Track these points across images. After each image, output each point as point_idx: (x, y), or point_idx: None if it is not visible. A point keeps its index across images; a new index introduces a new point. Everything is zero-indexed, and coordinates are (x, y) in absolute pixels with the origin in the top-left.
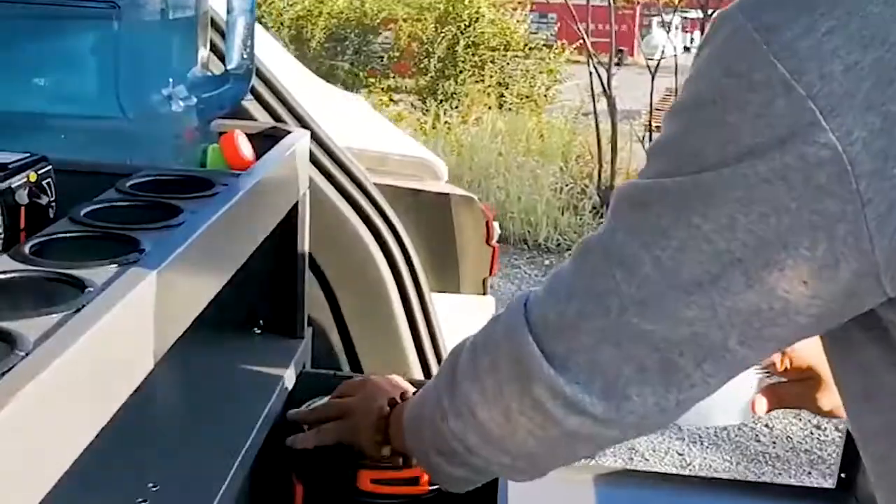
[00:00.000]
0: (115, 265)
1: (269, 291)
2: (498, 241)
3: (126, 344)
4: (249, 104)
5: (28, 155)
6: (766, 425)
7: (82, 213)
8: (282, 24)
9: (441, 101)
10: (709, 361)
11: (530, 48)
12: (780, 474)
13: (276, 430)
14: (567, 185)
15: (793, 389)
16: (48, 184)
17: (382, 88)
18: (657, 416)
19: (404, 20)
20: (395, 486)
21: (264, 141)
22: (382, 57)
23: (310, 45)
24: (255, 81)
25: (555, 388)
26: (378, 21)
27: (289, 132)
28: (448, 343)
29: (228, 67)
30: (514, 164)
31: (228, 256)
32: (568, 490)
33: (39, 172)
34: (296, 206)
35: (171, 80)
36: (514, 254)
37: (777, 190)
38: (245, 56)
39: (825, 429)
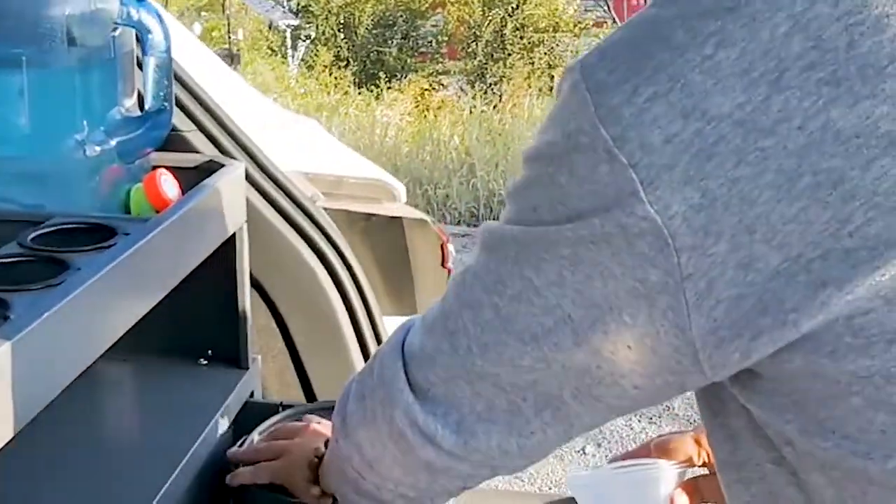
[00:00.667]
0: None
1: (213, 322)
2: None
3: None
4: (192, 136)
5: None
6: None
7: None
8: (329, 11)
9: (490, 84)
10: (548, 411)
11: (581, 28)
12: None
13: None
14: None
15: (714, 482)
16: None
17: (430, 73)
18: (501, 457)
19: (452, 3)
20: None
21: (200, 175)
22: (431, 41)
23: (357, 31)
24: (198, 112)
25: (412, 415)
26: (426, 5)
27: (222, 165)
28: None
29: (146, 108)
30: None
31: (119, 309)
32: None
33: None
34: (232, 238)
35: (85, 123)
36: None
37: (602, 254)
38: (162, 95)
39: None
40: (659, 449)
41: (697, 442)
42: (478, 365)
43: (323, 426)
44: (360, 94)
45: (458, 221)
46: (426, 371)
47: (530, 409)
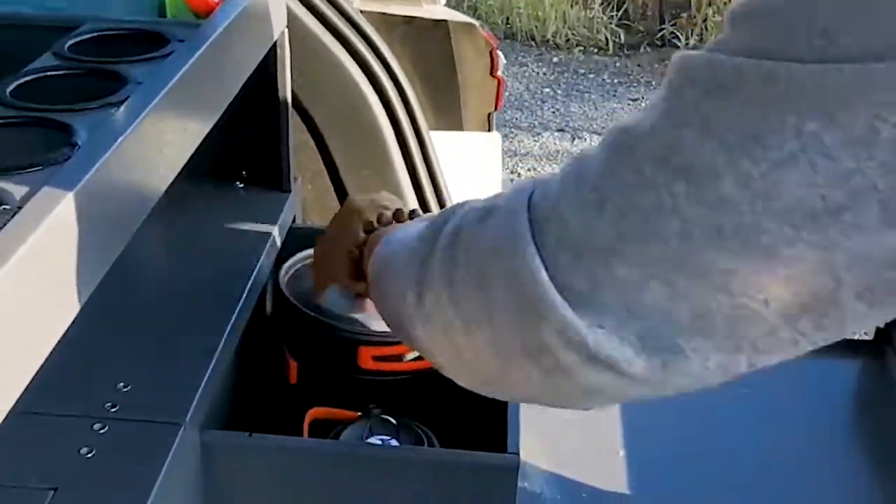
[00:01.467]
0: (42, 167)
1: (250, 142)
2: (504, 38)
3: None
4: None
5: None
6: None
7: (8, 91)
8: None
9: None
10: (808, 316)
11: None
12: None
13: (265, 300)
14: None
15: None
16: None
17: None
18: (716, 377)
19: None
20: (398, 362)
21: None
22: None
23: None
24: None
25: (570, 332)
26: None
27: None
28: (451, 188)
29: None
30: None
31: (188, 129)
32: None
33: None
34: (273, 47)
35: None
36: (521, 51)
37: None
38: None
39: None
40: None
41: None
42: (700, 257)
43: (361, 201)
44: None
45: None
46: (595, 267)
47: (776, 315)
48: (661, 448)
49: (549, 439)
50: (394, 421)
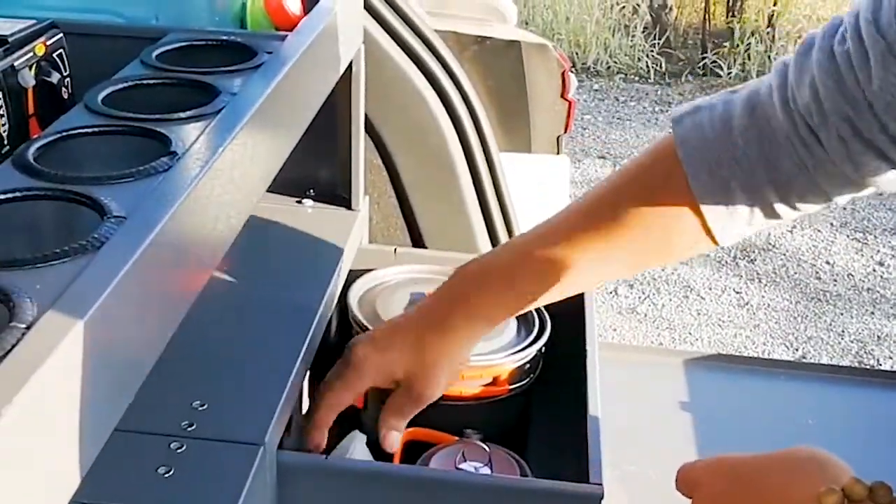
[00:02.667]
0: (144, 177)
1: (320, 159)
2: None
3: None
4: None
5: (34, 22)
6: (827, 262)
7: (100, 99)
8: None
9: None
10: None
11: None
12: (841, 314)
13: (339, 320)
14: (618, 4)
15: None
16: (60, 56)
17: None
18: None
19: None
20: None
21: None
22: None
23: None
24: None
25: None
26: None
27: None
28: (519, 210)
29: None
30: None
31: (279, 141)
32: (655, 373)
33: (48, 44)
34: (350, 63)
35: None
36: None
37: None
38: None
39: (888, 266)
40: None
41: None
42: None
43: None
44: None
45: None
46: None
47: None
48: None
49: (628, 471)
50: (486, 447)
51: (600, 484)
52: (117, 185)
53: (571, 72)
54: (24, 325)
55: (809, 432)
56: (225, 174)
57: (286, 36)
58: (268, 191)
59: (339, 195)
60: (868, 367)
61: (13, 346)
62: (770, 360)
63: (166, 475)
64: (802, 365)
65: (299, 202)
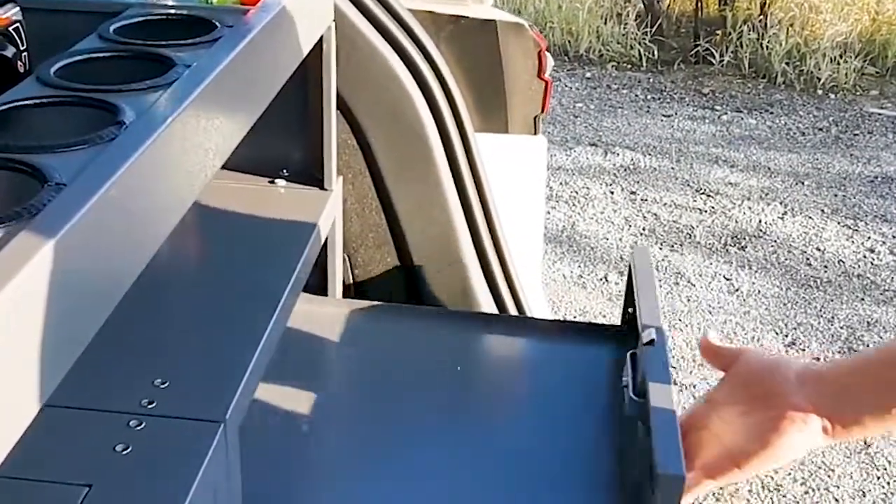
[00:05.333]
0: (88, 145)
1: (293, 138)
2: None
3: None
4: None
5: None
6: (818, 248)
7: (52, 71)
8: None
9: None
10: None
11: None
12: (831, 300)
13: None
14: None
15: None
16: (17, 30)
17: None
18: None
19: None
20: None
21: None
22: None
23: None
24: None
25: None
26: None
27: None
28: (496, 191)
29: None
30: None
31: (235, 116)
32: (333, 321)
33: (4, 17)
34: (320, 41)
35: None
36: (554, 66)
37: None
38: None
39: (879, 252)
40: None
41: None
42: None
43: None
44: None
45: None
46: None
47: None
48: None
49: None
50: None
51: None
52: (61, 153)
53: (547, 52)
54: None
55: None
56: (174, 145)
57: (248, 10)
58: (240, 171)
59: (312, 175)
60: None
61: None
62: (423, 307)
63: (124, 452)
64: (452, 313)
65: (272, 182)
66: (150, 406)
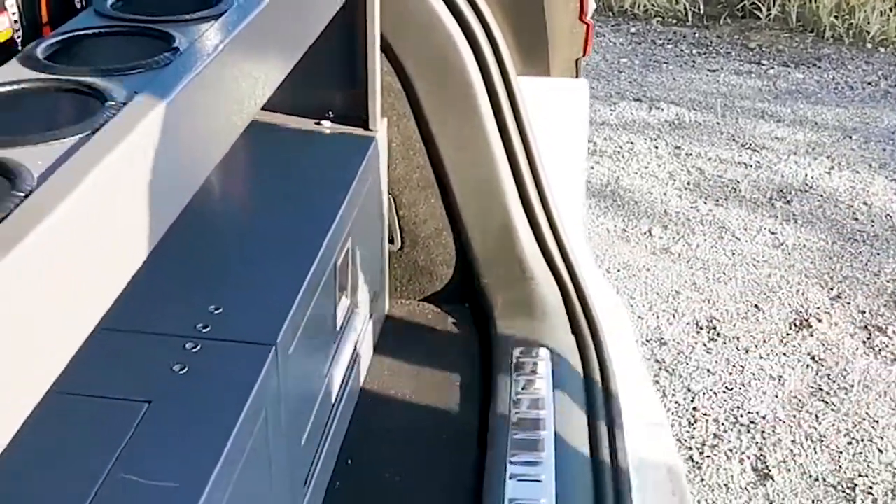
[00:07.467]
0: (144, 70)
1: (338, 80)
2: None
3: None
4: None
5: None
6: (865, 202)
7: (109, 3)
8: None
9: None
10: None
11: None
12: (877, 254)
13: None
14: None
15: None
16: None
17: None
18: None
19: None
20: None
21: None
22: None
23: None
24: None
25: None
26: None
27: None
28: (538, 132)
29: None
30: None
31: (283, 49)
32: None
33: None
34: None
35: None
36: (598, 21)
37: None
38: None
39: None
40: None
41: None
42: None
43: None
44: None
45: None
46: None
47: None
48: None
49: None
50: None
51: None
52: (119, 76)
53: None
54: (22, 194)
55: None
56: (225, 71)
57: None
58: (287, 112)
59: (357, 117)
60: None
61: (10, 212)
62: None
63: (181, 372)
64: None
65: (318, 123)
66: (205, 330)
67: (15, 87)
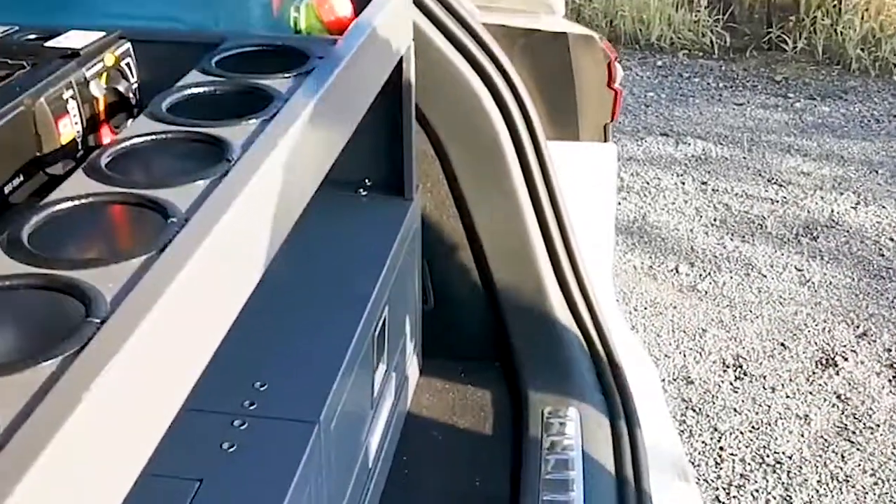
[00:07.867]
0: (202, 180)
1: (375, 150)
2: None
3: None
4: None
5: (103, 35)
6: (891, 238)
7: (164, 107)
8: None
9: None
10: None
11: None
12: None
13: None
14: None
15: None
16: (128, 65)
17: None
18: None
19: None
20: None
21: None
22: None
23: None
24: None
25: None
26: None
27: None
28: (567, 196)
29: None
30: None
31: (330, 141)
32: None
33: (117, 54)
34: (400, 60)
35: None
36: (625, 55)
37: None
38: None
39: None
40: None
41: None
42: None
43: None
44: None
45: None
46: None
47: None
48: None
49: None
50: None
51: None
52: (178, 188)
53: (617, 62)
54: (98, 320)
55: None
56: (278, 175)
57: (336, 40)
58: (326, 181)
59: (393, 185)
60: None
61: (89, 340)
62: None
63: (230, 450)
64: None
65: (356, 192)
66: (251, 407)
67: (82, 201)
